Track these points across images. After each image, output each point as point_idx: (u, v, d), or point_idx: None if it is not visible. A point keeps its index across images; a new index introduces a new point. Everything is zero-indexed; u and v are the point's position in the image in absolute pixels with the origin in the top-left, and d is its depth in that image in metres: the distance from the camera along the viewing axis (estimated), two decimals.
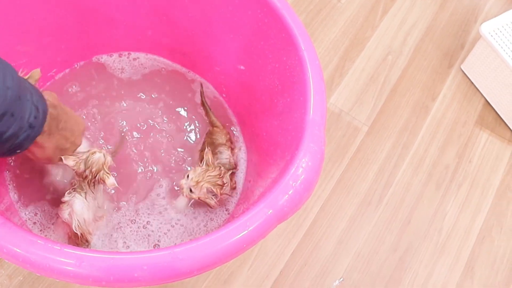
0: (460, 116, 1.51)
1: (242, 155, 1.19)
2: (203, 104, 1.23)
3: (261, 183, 1.01)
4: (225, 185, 1.04)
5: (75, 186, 0.96)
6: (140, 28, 1.21)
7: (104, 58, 1.26)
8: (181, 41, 1.22)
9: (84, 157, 0.93)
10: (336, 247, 1.24)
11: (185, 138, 1.19)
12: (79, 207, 0.95)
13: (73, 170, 0.94)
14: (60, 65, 1.20)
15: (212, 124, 1.19)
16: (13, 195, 1.05)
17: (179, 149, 1.17)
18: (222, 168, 1.04)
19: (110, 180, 0.94)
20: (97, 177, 0.94)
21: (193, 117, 1.22)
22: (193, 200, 1.07)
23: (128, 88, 1.23)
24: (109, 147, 1.14)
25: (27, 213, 1.04)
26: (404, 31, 1.64)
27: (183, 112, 1.22)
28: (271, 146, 1.03)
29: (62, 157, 0.91)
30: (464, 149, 1.46)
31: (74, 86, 1.21)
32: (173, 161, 1.16)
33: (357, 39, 1.58)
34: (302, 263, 1.21)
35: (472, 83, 1.58)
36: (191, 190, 1.01)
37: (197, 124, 1.21)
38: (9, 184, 1.06)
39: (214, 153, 1.11)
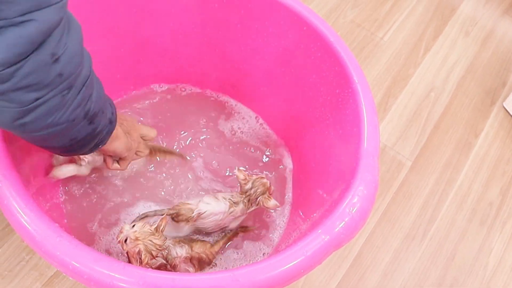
0: (504, 154, 1.51)
1: (288, 191, 1.21)
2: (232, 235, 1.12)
3: (310, 214, 1.03)
4: (156, 258, 0.95)
5: (231, 198, 1.05)
6: (192, 60, 1.26)
7: (155, 88, 1.30)
8: (231, 73, 1.26)
9: (254, 178, 1.04)
10: (381, 280, 1.24)
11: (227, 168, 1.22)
12: (220, 209, 1.03)
13: (240, 184, 1.06)
14: (114, 93, 1.25)
15: (213, 243, 1.07)
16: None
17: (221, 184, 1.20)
18: (167, 242, 0.97)
19: (272, 202, 1.04)
20: (258, 199, 1.03)
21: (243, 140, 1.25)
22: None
23: (175, 118, 1.28)
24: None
25: None
26: (446, 69, 1.66)
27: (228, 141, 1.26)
28: (322, 175, 1.05)
29: (236, 171, 1.08)
30: (508, 187, 1.45)
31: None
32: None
33: (400, 76, 1.61)
34: None
35: None
36: (126, 241, 0.93)
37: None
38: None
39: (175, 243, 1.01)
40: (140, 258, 0.92)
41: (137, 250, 0.92)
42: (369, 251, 1.28)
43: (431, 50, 1.70)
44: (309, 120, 1.13)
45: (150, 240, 0.92)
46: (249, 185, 1.04)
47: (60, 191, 1.11)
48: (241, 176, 1.05)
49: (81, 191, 1.12)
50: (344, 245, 0.80)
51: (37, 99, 0.62)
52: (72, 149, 0.79)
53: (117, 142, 0.91)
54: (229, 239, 1.10)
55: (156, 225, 0.94)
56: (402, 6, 1.79)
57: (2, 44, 0.54)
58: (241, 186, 1.06)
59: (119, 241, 0.94)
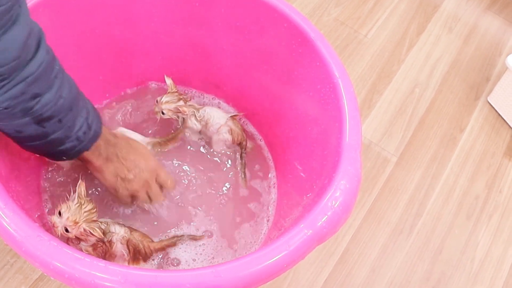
0: (489, 147, 1.52)
1: (272, 187, 1.21)
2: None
3: (293, 209, 1.03)
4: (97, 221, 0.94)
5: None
6: (174, 60, 1.25)
7: (137, 89, 1.30)
8: (214, 72, 1.25)
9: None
10: (369, 275, 1.24)
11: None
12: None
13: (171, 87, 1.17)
14: (96, 96, 1.24)
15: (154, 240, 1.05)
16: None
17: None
18: (107, 219, 0.98)
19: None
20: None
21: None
22: None
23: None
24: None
25: None
26: (430, 65, 1.67)
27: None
28: (305, 171, 1.05)
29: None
30: (494, 180, 1.46)
31: (107, 116, 1.24)
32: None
33: (384, 72, 1.61)
34: None
35: (499, 114, 1.59)
36: (67, 230, 0.91)
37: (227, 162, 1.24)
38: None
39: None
40: (92, 234, 0.91)
41: (82, 230, 0.91)
42: (356, 247, 1.28)
43: (414, 46, 1.70)
44: (292, 116, 1.12)
45: (85, 212, 0.91)
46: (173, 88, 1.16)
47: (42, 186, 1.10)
48: (169, 81, 1.17)
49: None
50: (328, 239, 0.79)
51: None
52: (28, 145, 0.82)
53: (99, 175, 0.95)
54: (174, 244, 1.07)
55: (76, 196, 0.93)
56: (384, 4, 1.80)
57: None
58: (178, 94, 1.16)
59: (61, 234, 0.92)
